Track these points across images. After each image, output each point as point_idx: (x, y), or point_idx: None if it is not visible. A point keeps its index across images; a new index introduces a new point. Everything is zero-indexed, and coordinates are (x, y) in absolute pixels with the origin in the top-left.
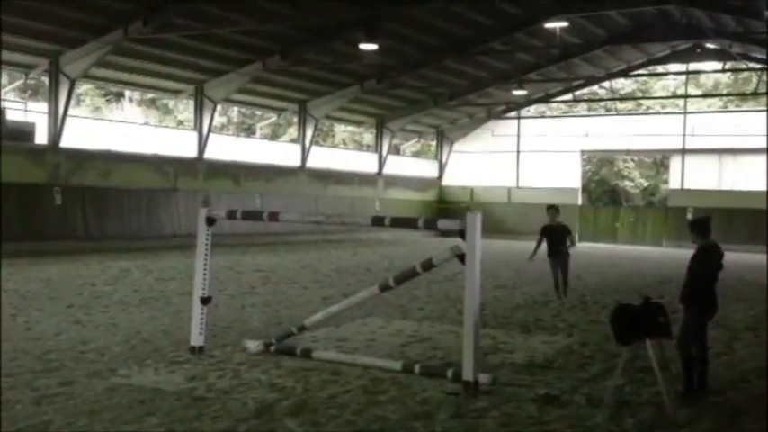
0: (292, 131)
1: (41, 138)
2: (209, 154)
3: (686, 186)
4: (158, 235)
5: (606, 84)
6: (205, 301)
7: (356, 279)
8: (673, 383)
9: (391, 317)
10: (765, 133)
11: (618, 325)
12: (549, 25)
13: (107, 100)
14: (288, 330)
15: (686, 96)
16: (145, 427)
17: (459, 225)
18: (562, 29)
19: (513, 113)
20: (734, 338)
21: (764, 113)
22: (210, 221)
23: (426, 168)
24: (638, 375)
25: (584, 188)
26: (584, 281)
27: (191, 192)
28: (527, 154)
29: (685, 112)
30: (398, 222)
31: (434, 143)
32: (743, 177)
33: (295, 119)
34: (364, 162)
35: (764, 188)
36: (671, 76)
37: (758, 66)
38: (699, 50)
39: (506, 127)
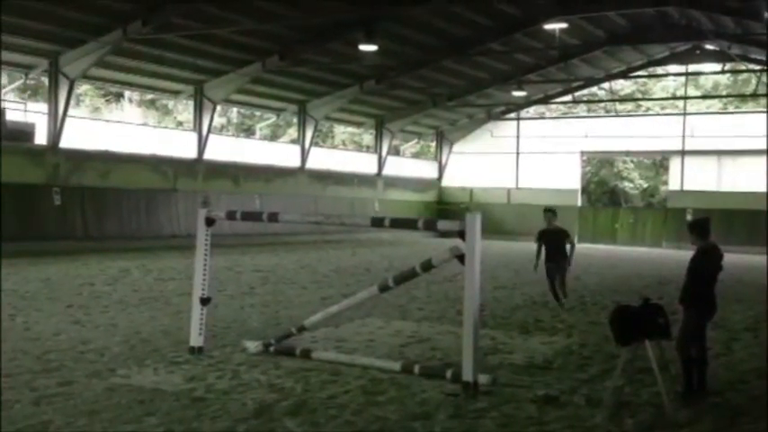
0: (292, 132)
1: (41, 138)
2: (209, 154)
3: (686, 187)
4: (158, 235)
5: (606, 85)
6: (204, 301)
7: (355, 279)
8: (672, 384)
9: (390, 317)
10: (765, 134)
11: (617, 326)
12: (548, 26)
13: (106, 100)
14: (287, 331)
15: (686, 98)
16: (144, 428)
17: (459, 226)
18: (561, 30)
19: (512, 114)
20: (733, 339)
21: (764, 115)
22: (210, 222)
23: (426, 169)
24: (637, 376)
25: (584, 189)
26: (583, 282)
27: (190, 192)
28: (526, 155)
29: (685, 114)
30: (398, 223)
31: (434, 144)
32: (742, 178)
33: (294, 119)
34: (364, 163)
35: (764, 189)
36: (670, 78)
37: (757, 67)
38: (698, 52)
39: (506, 128)
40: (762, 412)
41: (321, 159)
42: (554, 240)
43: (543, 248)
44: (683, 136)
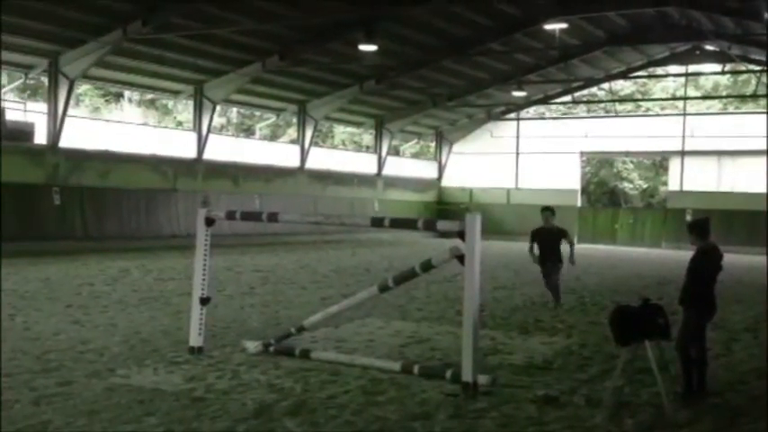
0: (292, 132)
1: (40, 138)
2: (209, 154)
3: (685, 188)
4: (157, 235)
5: (605, 85)
6: (204, 301)
7: (355, 280)
8: (672, 385)
9: (390, 317)
10: (765, 135)
11: (617, 326)
12: (548, 26)
13: (106, 100)
14: (287, 331)
15: (685, 98)
16: (144, 428)
17: (459, 226)
18: (561, 30)
19: (512, 115)
20: (733, 340)
21: (764, 115)
22: (210, 222)
23: (425, 169)
24: (637, 376)
25: (584, 190)
26: (583, 282)
27: (190, 192)
28: (526, 155)
29: (684, 114)
30: (398, 223)
31: (434, 144)
32: (742, 179)
33: (294, 119)
34: (363, 163)
35: (764, 190)
36: (670, 78)
37: (757, 68)
38: (698, 52)
39: (506, 128)
40: (761, 413)
41: (321, 159)
42: (550, 240)
43: (537, 248)
44: (683, 136)
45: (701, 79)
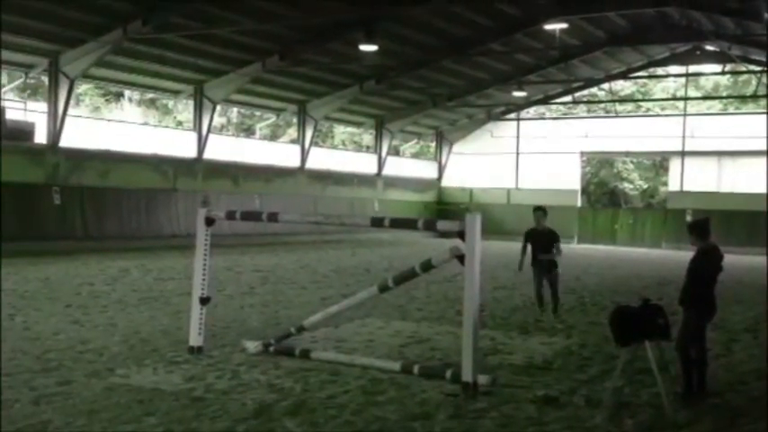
0: (292, 132)
1: (41, 137)
2: (209, 154)
3: (685, 188)
4: (157, 235)
5: (606, 85)
6: (204, 301)
7: (355, 280)
8: (672, 385)
9: (390, 318)
10: (765, 135)
11: (617, 326)
12: (548, 27)
13: (106, 100)
14: (287, 331)
15: (686, 98)
16: (143, 428)
17: (459, 226)
18: (562, 30)
19: (512, 115)
20: (733, 340)
21: (764, 116)
22: (210, 222)
23: (426, 169)
24: (637, 377)
25: (584, 190)
26: (583, 282)
27: (190, 192)
28: (526, 155)
29: (685, 114)
30: (398, 223)
31: (434, 144)
32: (742, 180)
33: (294, 119)
34: (363, 163)
35: (764, 190)
36: (670, 78)
37: (758, 68)
38: (698, 52)
39: (506, 128)
40: (761, 413)
41: (321, 159)
42: (542, 242)
43: (530, 249)
44: (683, 137)
45: (702, 80)
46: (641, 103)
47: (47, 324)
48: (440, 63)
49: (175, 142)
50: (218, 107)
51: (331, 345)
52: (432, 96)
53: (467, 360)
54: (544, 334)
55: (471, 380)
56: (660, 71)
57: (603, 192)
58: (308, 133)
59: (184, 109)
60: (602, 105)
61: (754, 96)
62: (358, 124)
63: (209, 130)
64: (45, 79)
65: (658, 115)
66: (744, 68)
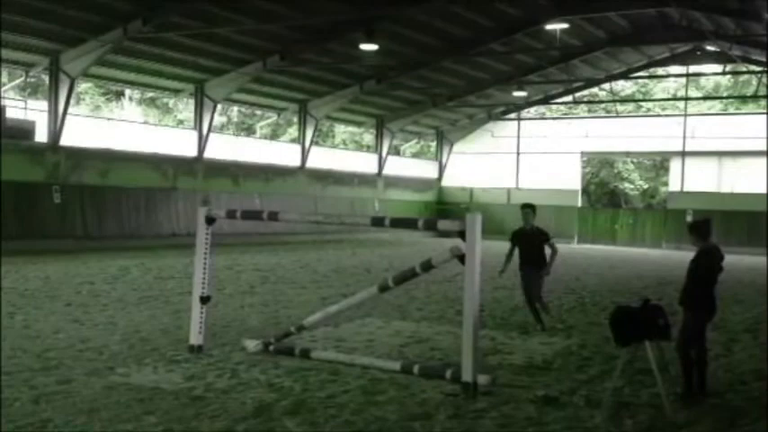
0: (292, 131)
1: (41, 136)
2: (209, 153)
3: (686, 188)
4: (157, 234)
5: (606, 85)
6: (204, 300)
7: (355, 279)
8: (672, 385)
9: (390, 317)
10: (765, 136)
11: (617, 326)
12: (549, 27)
13: (107, 99)
14: (287, 330)
15: (686, 98)
16: (143, 426)
17: (459, 226)
18: (562, 30)
19: (512, 115)
20: (732, 341)
21: (764, 116)
22: (210, 220)
23: (426, 169)
24: (637, 377)
25: (584, 190)
26: (583, 282)
27: (190, 191)
28: (527, 155)
29: (685, 115)
30: (398, 223)
31: (434, 144)
32: (743, 180)
33: (295, 119)
34: (364, 162)
35: (764, 191)
36: (671, 79)
37: (758, 68)
38: (699, 53)
39: (506, 128)
40: (761, 414)
41: (321, 159)
42: (530, 243)
43: (517, 252)
44: (684, 137)
45: (702, 80)
46: (642, 104)
47: (47, 323)
48: (440, 63)
49: (176, 141)
50: (219, 106)
51: (331, 344)
52: (432, 96)
53: (467, 360)
54: (544, 334)
55: (471, 380)
56: (661, 71)
57: (604, 192)
58: (309, 133)
59: (185, 108)
60: (603, 105)
61: (755, 97)
62: (358, 124)
63: (209, 130)
64: (45, 78)
65: (659, 115)
66: (744, 69)
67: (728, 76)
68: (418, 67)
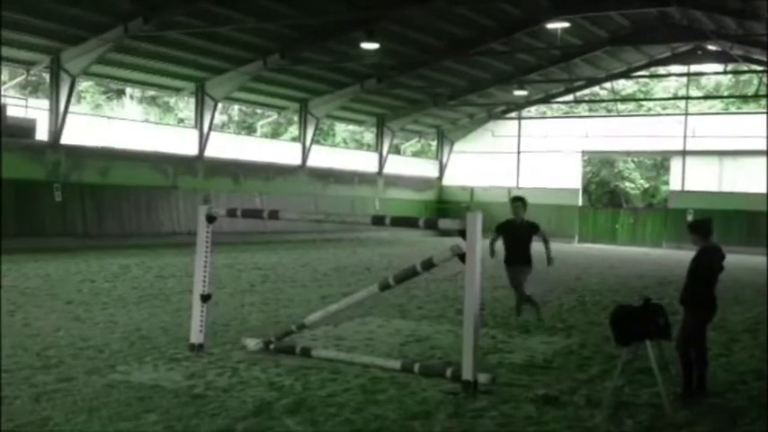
0: (293, 130)
1: (42, 134)
2: (210, 152)
3: (687, 188)
4: (158, 233)
5: (607, 85)
6: (205, 298)
7: (355, 278)
8: (672, 385)
9: (390, 316)
10: (766, 135)
11: (617, 326)
12: (550, 26)
13: (108, 97)
14: (287, 329)
15: (687, 98)
16: (143, 425)
17: (460, 225)
18: (563, 30)
19: (513, 114)
20: (733, 340)
21: (765, 116)
22: (210, 219)
23: (426, 168)
24: (637, 376)
25: (585, 189)
26: (583, 282)
27: (190, 190)
28: (527, 154)
29: (686, 114)
30: (398, 222)
31: (435, 143)
32: (743, 179)
33: (296, 118)
34: (364, 161)
35: (765, 190)
36: (672, 78)
37: (759, 68)
38: (700, 52)
39: (507, 127)
40: (761, 413)
41: (322, 158)
42: (518, 236)
43: (503, 245)
44: (685, 136)
45: (703, 79)
46: (642, 103)
47: (47, 321)
48: (441, 62)
49: (176, 140)
50: (220, 105)
51: (331, 343)
52: (433, 95)
53: (467, 359)
54: (544, 333)
55: (471, 378)
56: (661, 71)
57: (604, 191)
58: (309, 131)
59: (186, 106)
60: (604, 105)
61: (756, 96)
62: (359, 122)
63: (210, 128)
64: (46, 76)
65: (659, 115)
66: (745, 68)
67: (729, 76)
68: (419, 67)
